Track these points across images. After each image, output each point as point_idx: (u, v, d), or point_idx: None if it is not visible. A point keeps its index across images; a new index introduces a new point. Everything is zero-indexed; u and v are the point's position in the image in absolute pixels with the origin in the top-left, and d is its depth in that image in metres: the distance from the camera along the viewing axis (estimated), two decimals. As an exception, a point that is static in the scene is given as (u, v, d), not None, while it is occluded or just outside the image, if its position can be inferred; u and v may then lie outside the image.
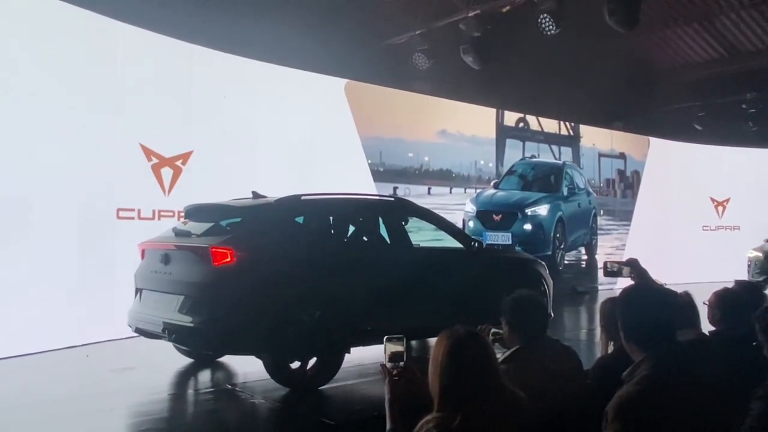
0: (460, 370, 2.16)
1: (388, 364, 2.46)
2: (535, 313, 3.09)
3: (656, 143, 15.25)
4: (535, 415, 2.33)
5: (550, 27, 8.90)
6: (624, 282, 3.49)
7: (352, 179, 8.90)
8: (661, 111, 14.75)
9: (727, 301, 3.53)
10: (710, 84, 14.03)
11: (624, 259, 3.51)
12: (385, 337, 2.50)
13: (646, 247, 14.07)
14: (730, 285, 3.84)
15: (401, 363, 2.45)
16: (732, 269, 12.34)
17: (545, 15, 8.90)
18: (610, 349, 3.24)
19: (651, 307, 2.25)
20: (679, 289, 3.22)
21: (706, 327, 3.67)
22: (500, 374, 2.25)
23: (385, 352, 2.49)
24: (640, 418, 1.98)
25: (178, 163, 8.21)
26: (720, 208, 15.91)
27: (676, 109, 14.65)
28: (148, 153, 7.93)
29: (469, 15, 9.61)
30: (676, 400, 2.02)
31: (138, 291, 5.64)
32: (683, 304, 3.25)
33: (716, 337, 3.38)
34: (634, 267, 3.27)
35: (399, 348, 2.47)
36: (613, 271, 3.41)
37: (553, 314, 6.78)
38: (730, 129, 14.88)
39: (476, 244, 6.39)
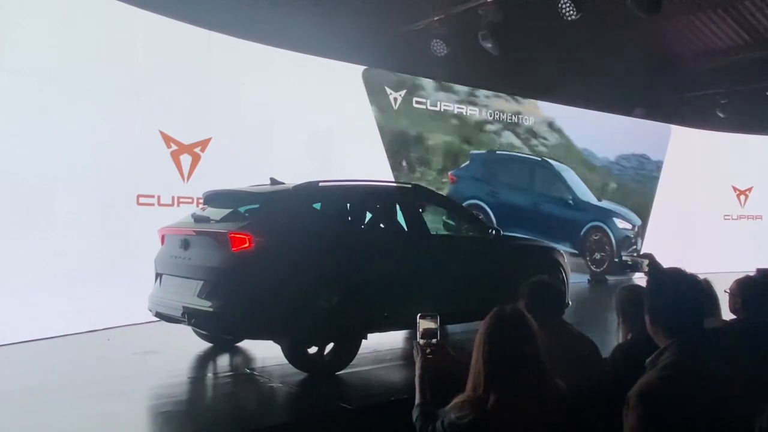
0: (498, 350, 2.15)
1: (421, 341, 2.47)
2: (551, 296, 3.17)
3: (678, 131, 15.05)
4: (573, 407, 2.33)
5: (571, 12, 8.76)
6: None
7: (370, 166, 8.90)
8: (683, 98, 14.54)
9: (748, 289, 3.48)
10: (733, 70, 13.77)
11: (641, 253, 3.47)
12: (419, 314, 2.51)
13: (668, 236, 13.96)
14: (752, 274, 3.80)
15: (434, 340, 2.46)
16: (754, 259, 12.21)
17: (566, 0, 8.77)
18: (629, 337, 3.22)
19: (682, 292, 2.22)
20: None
21: (726, 315, 3.64)
22: (542, 358, 2.23)
23: (417, 329, 2.50)
24: (663, 405, 1.95)
25: (197, 150, 8.26)
26: (742, 197, 15.70)
27: (699, 96, 14.42)
28: (168, 140, 7.99)
29: (488, 0, 9.50)
30: (700, 387, 1.99)
31: (158, 276, 5.71)
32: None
33: (738, 325, 3.34)
34: (651, 261, 3.23)
35: (432, 325, 2.48)
36: (629, 265, 3.40)
37: (570, 302, 6.75)
38: (754, 116, 14.62)
39: (494, 232, 6.36)
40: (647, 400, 1.96)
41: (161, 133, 7.91)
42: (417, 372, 2.43)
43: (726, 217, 15.48)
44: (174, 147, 8.05)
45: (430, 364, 2.42)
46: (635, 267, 3.36)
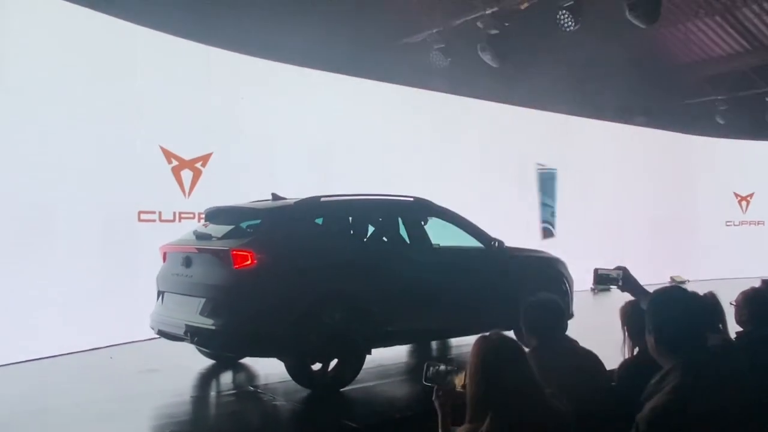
0: (489, 377, 2.15)
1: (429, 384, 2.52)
2: (552, 315, 3.14)
3: (678, 138, 15.06)
4: (572, 419, 2.32)
5: (570, 23, 8.81)
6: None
7: (371, 180, 8.89)
8: (682, 105, 14.56)
9: (755, 301, 3.46)
10: (733, 77, 13.82)
11: (613, 267, 3.30)
12: (426, 362, 2.55)
13: (669, 243, 13.94)
14: (756, 283, 3.78)
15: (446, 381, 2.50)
16: (756, 265, 12.17)
17: (564, 11, 8.81)
18: (635, 352, 3.19)
19: (682, 312, 2.20)
20: (702, 287, 3.15)
21: (733, 327, 3.62)
22: (535, 382, 2.22)
23: (425, 374, 2.54)
24: (673, 429, 1.93)
25: (198, 165, 8.27)
26: (744, 203, 15.69)
27: (698, 103, 14.45)
28: (168, 155, 8.00)
29: (487, 12, 9.54)
30: (708, 408, 1.97)
31: (160, 293, 5.68)
32: (709, 305, 3.19)
33: (745, 337, 3.32)
34: (624, 274, 3.15)
35: (441, 367, 2.53)
36: (605, 277, 3.24)
37: (574, 314, 6.72)
38: (753, 123, 14.64)
39: (496, 243, 6.34)
40: (656, 424, 1.94)
41: (162, 148, 7.92)
42: (440, 419, 2.46)
43: (728, 224, 15.48)
44: (175, 162, 8.05)
45: (446, 403, 2.45)
46: (609, 281, 3.21)
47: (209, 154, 8.32)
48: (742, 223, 15.62)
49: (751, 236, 15.29)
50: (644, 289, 3.05)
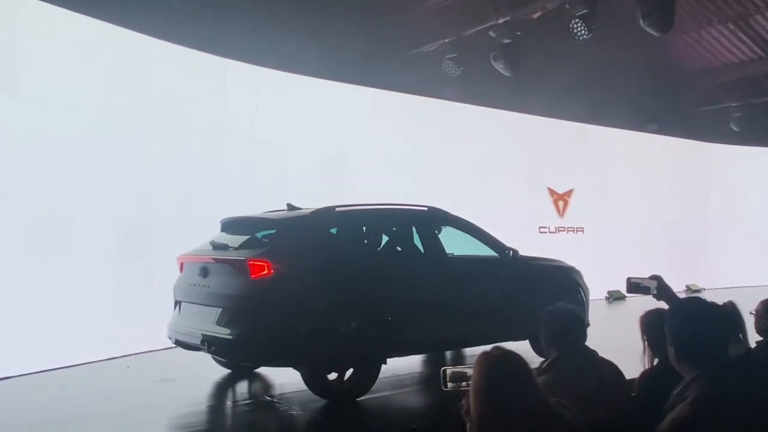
0: (493, 393, 2.13)
1: (450, 384, 2.46)
2: (569, 325, 3.11)
3: (692, 145, 14.99)
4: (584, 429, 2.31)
5: (583, 32, 8.81)
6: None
7: (386, 190, 8.90)
8: (696, 113, 14.49)
9: (775, 311, 3.44)
10: (747, 84, 13.75)
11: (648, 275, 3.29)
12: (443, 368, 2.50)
13: (684, 251, 13.84)
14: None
15: (464, 383, 2.44)
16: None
17: (577, 20, 8.81)
18: (655, 362, 3.17)
19: (702, 322, 2.19)
20: (717, 296, 3.13)
21: (753, 337, 3.59)
22: (541, 396, 2.21)
23: (444, 380, 2.48)
24: None
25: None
26: (759, 210, 15.56)
27: (712, 110, 14.39)
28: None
29: (499, 22, 9.56)
30: (730, 419, 1.96)
31: (177, 303, 5.72)
32: (729, 315, 3.17)
33: (766, 347, 3.29)
34: (659, 283, 3.15)
35: (458, 370, 2.48)
36: (638, 286, 3.23)
37: (590, 323, 6.68)
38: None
39: (511, 253, 6.33)
40: None
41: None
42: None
43: (743, 231, 15.34)
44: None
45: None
46: (643, 290, 3.21)
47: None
48: (758, 230, 15.48)
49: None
50: (679, 299, 3.05)
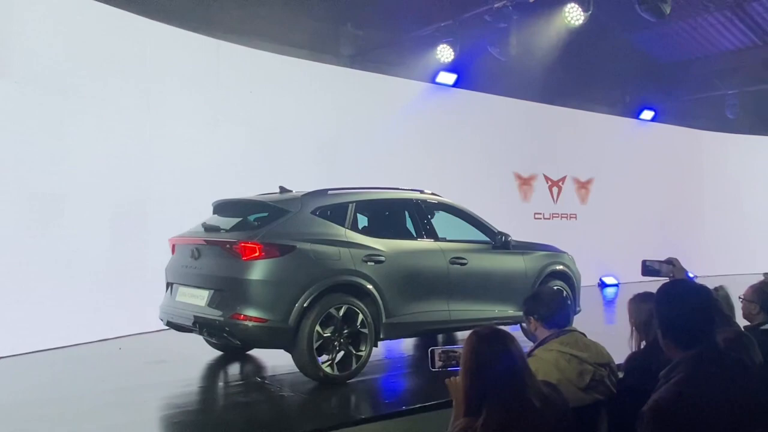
0: (482, 370, 2.15)
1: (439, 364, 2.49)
2: (557, 305, 3.16)
3: (687, 132, 14.99)
4: (570, 410, 2.33)
5: (578, 17, 8.77)
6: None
7: (379, 173, 8.90)
8: (692, 100, 14.49)
9: (764, 295, 3.46)
10: (742, 72, 13.74)
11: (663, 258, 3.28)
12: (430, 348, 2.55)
13: (678, 238, 13.89)
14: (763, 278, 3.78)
15: (454, 362, 2.47)
16: (764, 260, 12.13)
17: (572, 4, 8.77)
18: (642, 344, 3.19)
19: (690, 305, 2.19)
20: (712, 283, 3.15)
21: (741, 322, 3.61)
22: (529, 373, 2.23)
23: (433, 361, 2.50)
24: (676, 422, 1.93)
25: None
26: (753, 198, 15.62)
27: (708, 97, 14.38)
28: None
29: (495, 6, 9.50)
30: (715, 401, 1.97)
31: (169, 285, 5.72)
32: (719, 299, 3.19)
33: (753, 331, 3.31)
34: (676, 266, 3.16)
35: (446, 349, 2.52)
36: (652, 269, 3.22)
37: (581, 309, 6.72)
38: (763, 117, 14.56)
39: (503, 237, 6.34)
40: (660, 416, 1.94)
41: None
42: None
43: (736, 218, 15.40)
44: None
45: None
46: (658, 272, 3.20)
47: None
48: (751, 217, 15.55)
49: (761, 230, 15.24)
50: (695, 282, 3.08)
